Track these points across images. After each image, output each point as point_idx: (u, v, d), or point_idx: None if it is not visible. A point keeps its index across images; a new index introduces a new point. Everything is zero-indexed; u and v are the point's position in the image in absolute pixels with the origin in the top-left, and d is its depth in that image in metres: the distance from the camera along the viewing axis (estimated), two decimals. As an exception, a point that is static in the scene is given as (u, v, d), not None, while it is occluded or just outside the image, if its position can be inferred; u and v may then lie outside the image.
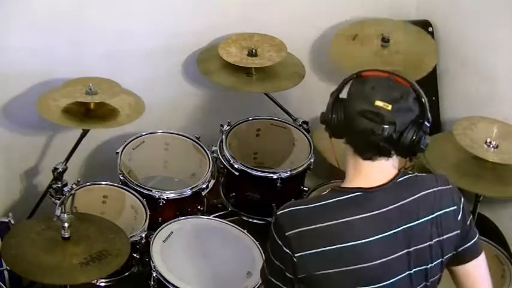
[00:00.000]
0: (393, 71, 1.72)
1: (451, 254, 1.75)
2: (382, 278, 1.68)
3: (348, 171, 1.76)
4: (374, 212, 1.68)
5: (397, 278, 1.69)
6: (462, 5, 3.18)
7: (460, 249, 1.77)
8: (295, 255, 1.67)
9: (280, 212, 1.71)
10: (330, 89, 1.76)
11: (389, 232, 1.68)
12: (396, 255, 1.68)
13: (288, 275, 1.70)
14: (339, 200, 1.70)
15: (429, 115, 1.70)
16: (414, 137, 1.67)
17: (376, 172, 1.72)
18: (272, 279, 1.76)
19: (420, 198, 1.71)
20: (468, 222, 1.77)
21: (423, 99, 1.69)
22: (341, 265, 1.66)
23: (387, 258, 1.67)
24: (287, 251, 1.68)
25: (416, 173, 1.77)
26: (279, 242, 1.69)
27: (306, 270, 1.68)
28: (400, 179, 1.73)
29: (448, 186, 1.76)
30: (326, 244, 1.66)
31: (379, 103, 1.65)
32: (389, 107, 1.65)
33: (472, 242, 1.78)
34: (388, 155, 1.71)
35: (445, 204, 1.73)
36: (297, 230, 1.67)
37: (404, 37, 3.10)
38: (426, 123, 1.69)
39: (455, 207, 1.74)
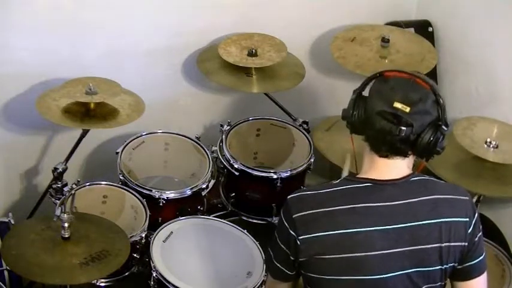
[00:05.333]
0: (415, 72, 1.73)
1: (453, 264, 1.74)
2: (379, 271, 1.68)
3: (363, 166, 1.78)
4: (380, 204, 1.69)
5: (395, 274, 1.69)
6: (462, 5, 3.18)
7: (465, 265, 1.76)
8: (299, 237, 1.69)
9: (291, 195, 1.75)
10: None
11: (392, 226, 1.68)
12: (396, 250, 1.68)
13: (292, 258, 1.73)
14: (348, 187, 1.73)
15: (447, 119, 1.71)
16: (431, 139, 1.69)
17: (390, 169, 1.73)
18: (277, 265, 1.79)
19: (430, 200, 1.71)
20: (477, 239, 1.75)
21: (442, 103, 1.70)
22: (340, 251, 1.67)
23: (386, 252, 1.68)
24: (292, 233, 1.71)
25: (433, 178, 1.78)
26: (286, 224, 1.73)
27: (307, 254, 1.70)
28: (413, 179, 1.74)
29: (464, 197, 1.76)
30: (328, 229, 1.68)
31: (397, 104, 1.67)
32: (408, 109, 1.66)
33: (478, 260, 1.77)
34: (404, 154, 1.73)
35: (456, 214, 1.72)
36: (302, 213, 1.70)
37: (403, 39, 3.10)
38: (443, 126, 1.70)
39: (467, 219, 1.73)
